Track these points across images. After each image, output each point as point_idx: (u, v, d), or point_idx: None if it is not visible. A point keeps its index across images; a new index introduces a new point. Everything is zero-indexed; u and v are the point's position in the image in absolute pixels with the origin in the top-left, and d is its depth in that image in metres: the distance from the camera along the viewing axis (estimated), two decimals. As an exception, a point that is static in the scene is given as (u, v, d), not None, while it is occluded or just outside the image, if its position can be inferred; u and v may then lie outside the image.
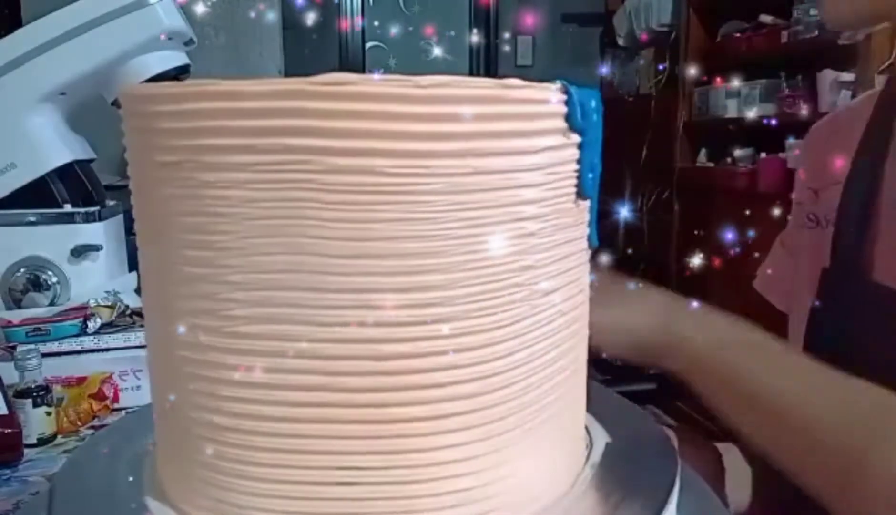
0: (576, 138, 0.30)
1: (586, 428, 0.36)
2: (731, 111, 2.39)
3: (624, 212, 2.73)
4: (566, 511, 0.30)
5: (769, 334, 0.50)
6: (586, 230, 0.33)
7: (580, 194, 0.31)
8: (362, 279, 0.26)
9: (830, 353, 0.55)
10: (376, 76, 0.25)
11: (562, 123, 0.29)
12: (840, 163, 0.60)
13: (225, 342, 0.27)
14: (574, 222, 0.31)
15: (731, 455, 0.59)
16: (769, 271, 0.71)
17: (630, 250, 2.73)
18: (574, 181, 0.31)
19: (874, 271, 0.54)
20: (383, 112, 0.25)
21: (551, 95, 0.28)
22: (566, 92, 0.29)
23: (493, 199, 0.27)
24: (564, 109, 0.29)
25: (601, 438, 0.36)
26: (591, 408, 0.36)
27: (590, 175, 0.31)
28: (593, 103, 0.31)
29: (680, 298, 0.55)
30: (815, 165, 0.64)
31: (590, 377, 0.35)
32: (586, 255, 0.33)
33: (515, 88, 0.27)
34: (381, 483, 0.27)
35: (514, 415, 0.29)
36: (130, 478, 0.33)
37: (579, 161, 0.31)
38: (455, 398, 0.27)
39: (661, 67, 2.75)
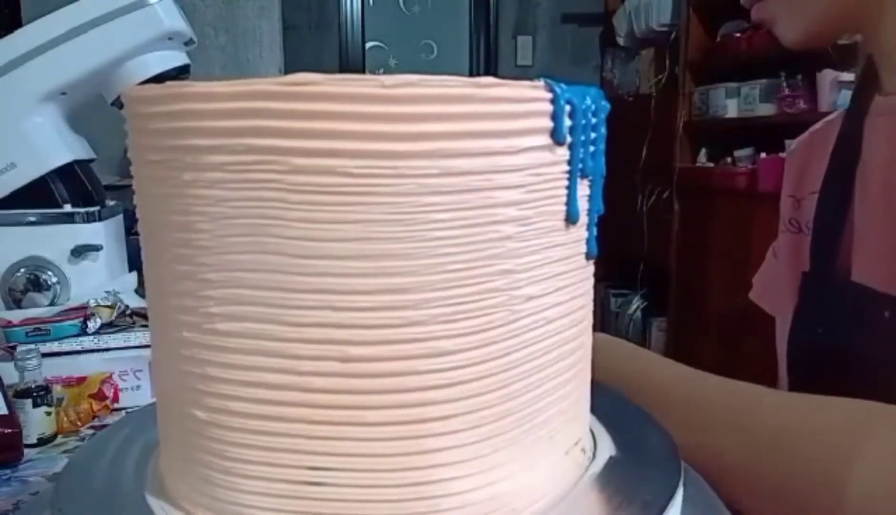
0: (564, 140, 0.29)
1: (591, 432, 0.36)
2: (731, 111, 2.39)
3: (624, 212, 2.73)
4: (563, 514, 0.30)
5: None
6: (583, 234, 0.32)
7: (569, 216, 0.29)
8: (327, 280, 0.25)
9: (812, 354, 0.57)
10: (344, 76, 0.25)
11: (547, 123, 0.28)
12: (818, 173, 0.62)
13: (204, 338, 0.27)
14: (547, 228, 0.29)
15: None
16: (762, 280, 0.73)
17: (630, 251, 2.73)
18: (564, 183, 0.29)
19: (852, 272, 0.56)
20: (348, 112, 0.25)
21: (530, 93, 0.27)
22: (550, 90, 0.28)
23: (465, 200, 0.26)
24: (550, 108, 0.28)
25: (604, 441, 0.36)
26: (594, 410, 0.36)
27: (578, 181, 0.29)
28: (588, 102, 0.29)
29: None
30: (796, 175, 0.67)
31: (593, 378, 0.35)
32: (583, 260, 0.32)
33: (487, 86, 0.26)
34: (350, 485, 0.27)
35: (492, 423, 0.28)
36: (133, 476, 0.33)
37: (569, 164, 0.29)
38: (425, 404, 0.27)
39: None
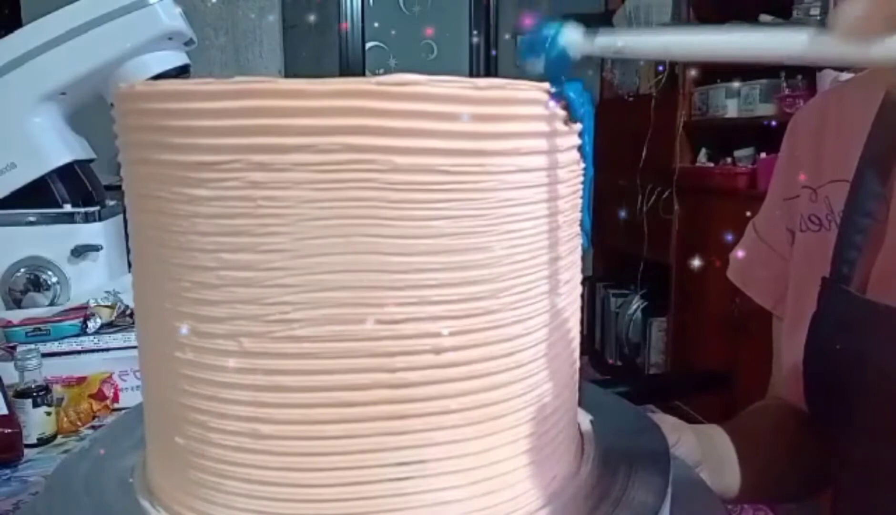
0: (577, 128, 0.31)
1: (581, 431, 0.36)
2: (731, 111, 2.39)
3: (623, 212, 2.73)
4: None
5: None
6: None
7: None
8: (422, 276, 0.26)
9: (830, 366, 0.54)
10: (440, 78, 0.26)
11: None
12: (836, 158, 0.57)
13: (276, 347, 0.26)
14: (575, 218, 0.32)
15: (719, 439, 0.58)
16: (741, 258, 0.68)
17: (630, 251, 2.73)
18: (580, 176, 0.32)
19: (871, 284, 0.52)
20: (444, 112, 0.26)
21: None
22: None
23: (532, 196, 0.28)
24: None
25: (596, 440, 0.36)
26: (586, 408, 0.37)
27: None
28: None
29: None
30: (808, 160, 0.61)
31: (586, 377, 0.36)
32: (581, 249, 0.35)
33: (543, 91, 0.29)
34: (439, 474, 0.27)
35: (535, 405, 0.30)
36: (122, 479, 0.33)
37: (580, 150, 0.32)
38: (497, 387, 0.28)
39: (661, 67, 2.74)
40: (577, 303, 0.33)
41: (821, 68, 2.03)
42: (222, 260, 0.26)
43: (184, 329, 0.28)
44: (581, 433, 0.36)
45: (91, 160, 1.08)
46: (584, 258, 0.34)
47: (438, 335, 0.27)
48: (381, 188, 0.25)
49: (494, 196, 0.27)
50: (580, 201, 0.32)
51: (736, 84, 2.37)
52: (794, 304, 0.61)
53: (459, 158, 0.26)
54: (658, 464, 0.34)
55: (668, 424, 0.51)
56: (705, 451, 0.55)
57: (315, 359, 0.26)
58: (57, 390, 0.72)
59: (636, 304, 2.82)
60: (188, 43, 1.06)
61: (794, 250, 0.63)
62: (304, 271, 0.26)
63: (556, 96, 0.29)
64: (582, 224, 0.33)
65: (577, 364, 0.34)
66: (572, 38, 0.29)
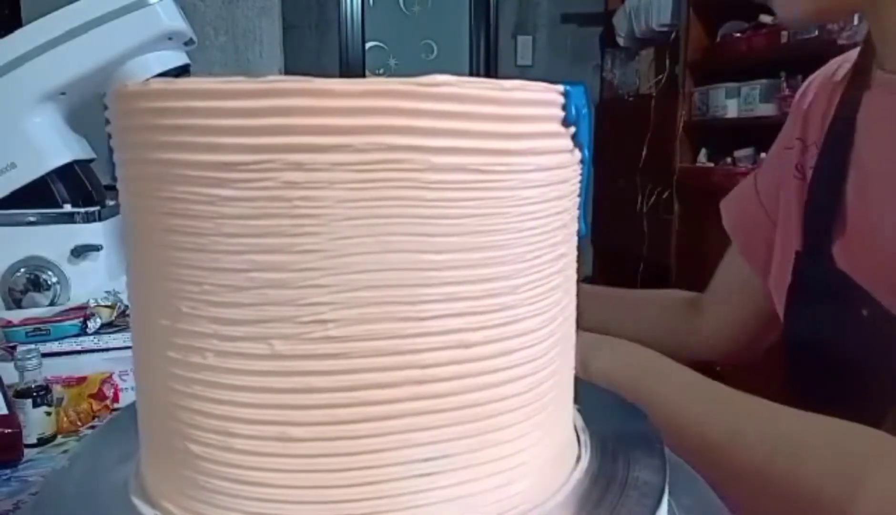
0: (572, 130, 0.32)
1: (576, 429, 0.37)
2: (731, 111, 2.39)
3: (624, 212, 2.73)
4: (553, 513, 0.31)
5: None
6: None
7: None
8: (452, 273, 0.27)
9: (807, 344, 0.55)
10: (469, 79, 0.26)
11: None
12: (818, 123, 0.59)
13: (310, 348, 0.26)
14: (575, 215, 0.34)
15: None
16: (734, 208, 0.70)
17: (630, 251, 2.74)
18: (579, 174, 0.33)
19: (836, 258, 0.54)
20: (476, 113, 0.27)
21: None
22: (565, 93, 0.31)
23: (547, 193, 0.29)
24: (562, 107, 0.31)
25: (592, 449, 0.36)
26: (581, 407, 0.37)
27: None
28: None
29: (601, 336, 0.55)
30: (803, 116, 0.63)
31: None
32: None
33: (558, 93, 0.30)
34: (465, 467, 0.28)
35: (547, 397, 0.31)
36: (116, 479, 0.32)
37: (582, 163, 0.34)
38: (515, 379, 0.29)
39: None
40: (575, 298, 0.35)
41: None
42: (253, 262, 0.26)
43: (205, 333, 0.27)
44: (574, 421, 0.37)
45: (91, 160, 1.08)
46: (584, 258, 0.34)
47: (465, 330, 0.27)
48: (416, 187, 0.26)
49: (517, 194, 0.28)
50: (578, 199, 0.33)
51: (736, 84, 2.38)
52: (780, 254, 0.62)
53: (488, 157, 0.27)
54: (651, 445, 0.35)
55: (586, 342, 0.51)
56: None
57: (347, 359, 0.26)
58: (57, 390, 0.72)
59: (636, 304, 2.82)
60: (188, 43, 1.06)
61: (783, 199, 0.64)
62: (339, 271, 0.25)
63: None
64: (579, 221, 0.35)
65: (564, 365, 0.35)
66: None
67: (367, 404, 0.26)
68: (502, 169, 0.27)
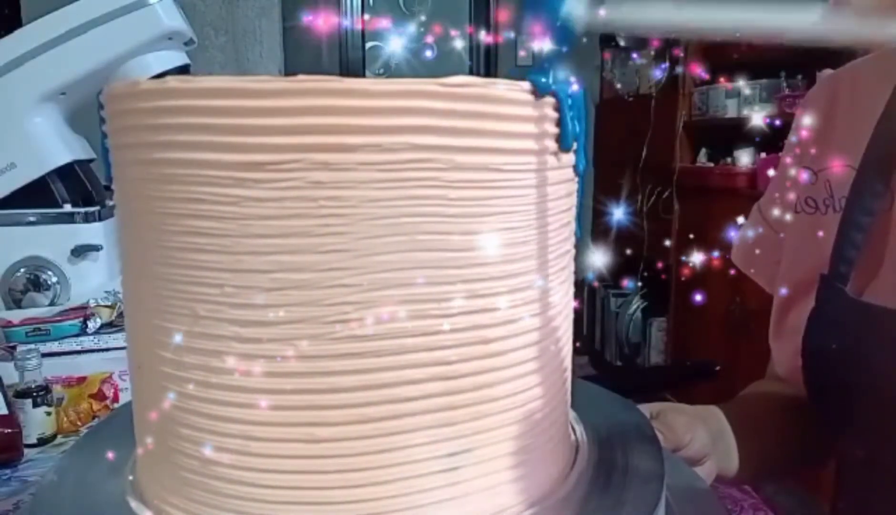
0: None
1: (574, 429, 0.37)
2: (731, 111, 2.38)
3: (623, 212, 2.72)
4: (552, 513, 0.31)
5: None
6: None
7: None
8: (474, 271, 0.27)
9: (829, 366, 0.54)
10: (493, 80, 0.27)
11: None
12: (843, 141, 0.54)
13: (336, 347, 0.26)
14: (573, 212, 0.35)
15: (714, 421, 0.58)
16: (749, 242, 0.66)
17: (630, 251, 2.73)
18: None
19: (868, 288, 0.51)
20: (499, 113, 0.27)
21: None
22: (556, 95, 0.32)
23: (556, 191, 0.30)
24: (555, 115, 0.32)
25: (589, 439, 0.37)
26: (579, 407, 0.37)
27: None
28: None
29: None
30: (814, 140, 0.58)
31: (577, 374, 0.36)
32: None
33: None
34: (487, 460, 0.29)
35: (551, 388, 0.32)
36: (112, 480, 0.32)
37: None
38: (526, 375, 0.30)
39: (662, 66, 2.74)
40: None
41: (821, 68, 2.03)
42: (278, 263, 0.25)
43: (225, 335, 0.26)
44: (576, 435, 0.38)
45: (91, 160, 1.08)
46: (584, 258, 0.35)
47: (487, 326, 0.28)
48: (442, 186, 0.26)
49: (535, 192, 0.29)
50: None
51: (736, 84, 2.37)
52: (786, 282, 0.59)
53: (508, 156, 0.28)
54: (646, 434, 0.36)
55: (681, 423, 0.51)
56: (714, 440, 0.55)
57: (374, 357, 0.26)
58: (57, 390, 0.72)
59: (636, 304, 2.82)
60: (188, 43, 1.06)
61: (788, 230, 0.61)
62: (365, 271, 0.25)
63: (543, 90, 0.29)
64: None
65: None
66: (576, 9, 0.29)
67: (394, 401, 0.26)
68: (521, 168, 0.28)
